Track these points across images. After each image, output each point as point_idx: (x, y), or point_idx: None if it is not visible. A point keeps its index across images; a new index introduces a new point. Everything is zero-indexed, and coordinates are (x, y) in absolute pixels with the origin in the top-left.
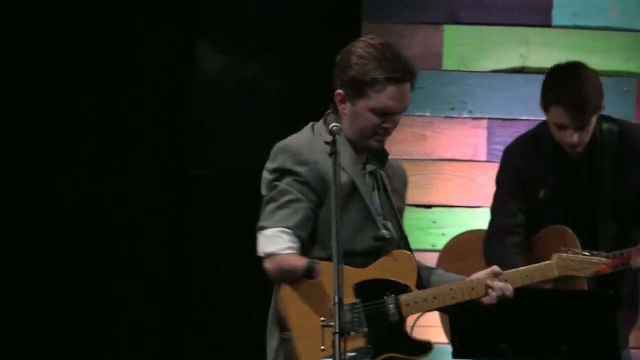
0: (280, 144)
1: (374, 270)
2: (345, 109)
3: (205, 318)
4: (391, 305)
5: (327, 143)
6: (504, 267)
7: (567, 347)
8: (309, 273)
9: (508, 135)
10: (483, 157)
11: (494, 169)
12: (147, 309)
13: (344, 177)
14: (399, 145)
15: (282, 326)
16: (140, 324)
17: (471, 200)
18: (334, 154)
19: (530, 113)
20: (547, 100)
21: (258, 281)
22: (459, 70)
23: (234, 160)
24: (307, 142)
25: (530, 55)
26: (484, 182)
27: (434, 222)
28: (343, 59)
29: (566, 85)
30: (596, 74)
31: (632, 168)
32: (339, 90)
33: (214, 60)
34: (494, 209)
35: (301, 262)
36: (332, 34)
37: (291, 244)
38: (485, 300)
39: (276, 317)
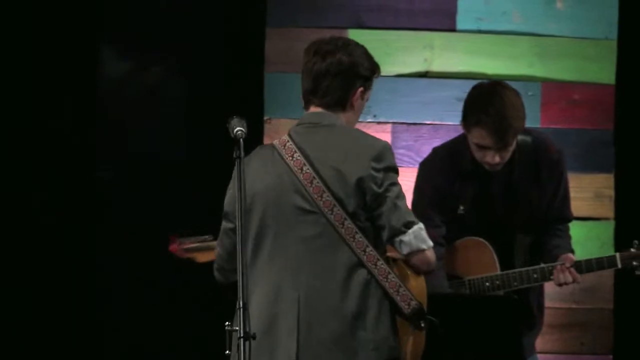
0: (384, 142)
1: None
2: (359, 104)
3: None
4: None
5: None
6: (430, 278)
7: (471, 353)
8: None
9: (412, 140)
10: None
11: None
12: (52, 313)
13: None
14: None
15: (417, 316)
16: (49, 326)
17: None
18: (239, 158)
19: (434, 117)
20: (469, 122)
21: (176, 282)
22: None
23: (141, 162)
24: None
25: (434, 59)
26: None
27: None
28: (357, 58)
29: (488, 109)
30: (518, 94)
31: (547, 178)
32: (362, 88)
33: (118, 64)
34: None
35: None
36: (236, 39)
37: None
38: None
39: (375, 320)
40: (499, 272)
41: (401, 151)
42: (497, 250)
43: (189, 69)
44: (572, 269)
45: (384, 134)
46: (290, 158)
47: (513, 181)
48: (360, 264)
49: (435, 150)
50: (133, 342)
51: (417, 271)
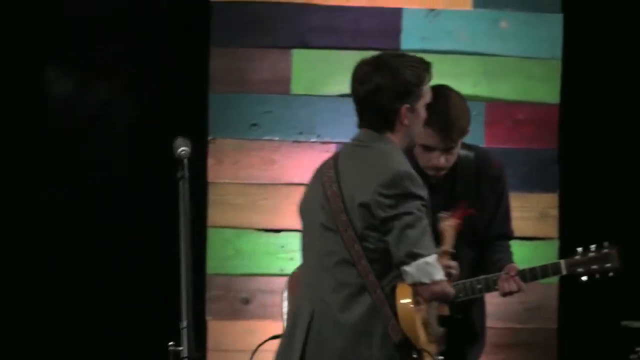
0: (401, 169)
1: None
2: (409, 120)
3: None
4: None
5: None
6: None
7: None
8: (453, 299)
9: None
10: None
11: None
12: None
13: (425, 192)
14: (248, 170)
15: (406, 348)
16: None
17: None
18: (182, 177)
19: None
20: None
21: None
22: (308, 95)
23: (87, 180)
24: (408, 165)
25: None
26: None
27: (282, 246)
28: (392, 78)
29: (434, 107)
30: (463, 97)
31: (488, 193)
32: (407, 105)
33: (65, 85)
34: None
35: (451, 289)
36: (182, 58)
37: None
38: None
39: (372, 332)
40: None
41: None
42: None
43: (135, 89)
44: (517, 278)
45: (328, 154)
46: (327, 173)
47: (455, 194)
48: (364, 287)
49: None
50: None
51: (425, 300)
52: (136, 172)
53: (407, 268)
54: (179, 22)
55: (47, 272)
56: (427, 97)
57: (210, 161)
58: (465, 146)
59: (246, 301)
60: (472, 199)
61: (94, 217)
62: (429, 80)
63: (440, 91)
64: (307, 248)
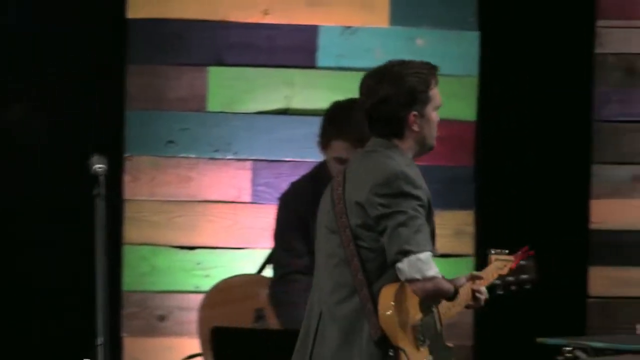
0: (397, 169)
1: None
2: (419, 125)
3: None
4: (436, 316)
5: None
6: (293, 309)
7: None
8: (454, 296)
9: (272, 177)
10: (247, 198)
11: (258, 210)
12: None
13: (426, 195)
14: (164, 187)
15: (384, 345)
16: None
17: (235, 241)
18: (98, 194)
19: (294, 154)
20: (328, 135)
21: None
22: (224, 112)
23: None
24: (408, 167)
25: (295, 96)
26: (248, 224)
27: (198, 263)
28: (396, 87)
29: (349, 119)
30: None
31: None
32: (413, 112)
33: None
34: (279, 253)
35: (449, 285)
36: (96, 78)
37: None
38: (475, 304)
39: (358, 330)
40: None
41: (261, 188)
42: None
43: (51, 106)
44: None
45: (244, 171)
46: (337, 178)
47: None
48: (354, 286)
49: (294, 183)
50: None
51: (421, 298)
52: (52, 190)
53: (399, 265)
54: (95, 38)
55: None
56: (436, 99)
57: (127, 178)
58: None
59: (162, 318)
60: None
61: (9, 233)
62: (436, 83)
63: (352, 104)
64: (317, 251)
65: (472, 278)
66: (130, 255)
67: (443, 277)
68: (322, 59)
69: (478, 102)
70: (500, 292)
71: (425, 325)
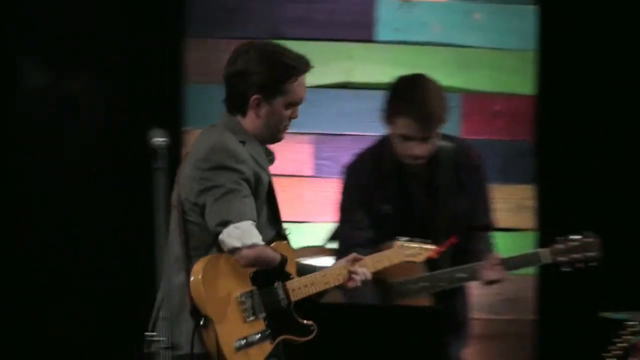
0: (217, 142)
1: None
2: (261, 111)
3: None
4: (281, 291)
5: (241, 142)
6: None
7: None
8: (282, 266)
9: (334, 150)
10: (309, 172)
11: (320, 184)
12: None
13: (265, 176)
14: None
15: (197, 312)
16: None
17: (297, 215)
18: (158, 168)
19: (355, 128)
20: (392, 112)
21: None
22: None
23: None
24: (233, 142)
25: (354, 70)
26: (310, 197)
27: None
28: (251, 65)
29: (413, 97)
30: (440, 87)
31: (467, 183)
32: (256, 96)
33: (36, 77)
34: (343, 225)
35: (275, 254)
36: (157, 49)
37: (260, 236)
38: (350, 284)
39: (185, 303)
40: (424, 273)
41: (323, 162)
42: None
43: (109, 81)
44: (499, 266)
45: (306, 145)
46: (185, 150)
47: (434, 185)
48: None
49: (358, 154)
50: None
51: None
52: (114, 163)
53: (220, 237)
54: (155, 13)
55: (30, 269)
56: (292, 96)
57: (185, 152)
58: (445, 137)
59: None
60: (450, 189)
61: (71, 206)
62: (301, 81)
63: (418, 80)
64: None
65: (354, 260)
66: None
67: (267, 246)
68: (380, 33)
69: (537, 77)
70: (568, 269)
71: (256, 298)
